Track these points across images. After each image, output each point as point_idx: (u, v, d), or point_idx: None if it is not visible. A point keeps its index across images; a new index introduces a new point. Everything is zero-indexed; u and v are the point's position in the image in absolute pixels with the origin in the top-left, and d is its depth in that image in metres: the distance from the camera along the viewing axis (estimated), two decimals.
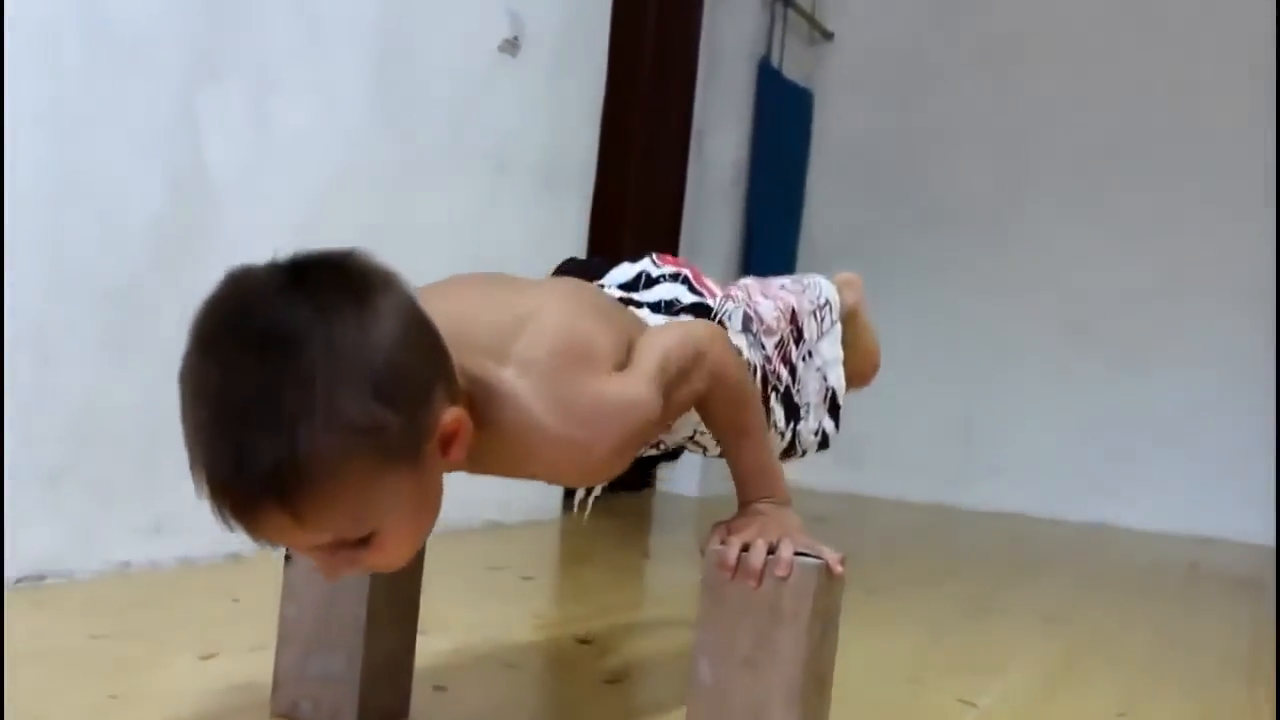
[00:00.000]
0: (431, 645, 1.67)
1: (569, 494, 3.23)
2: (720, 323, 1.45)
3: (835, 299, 1.69)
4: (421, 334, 1.02)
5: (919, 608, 2.51)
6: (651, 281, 1.48)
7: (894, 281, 4.67)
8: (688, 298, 1.46)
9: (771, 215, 4.46)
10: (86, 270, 1.91)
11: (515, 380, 1.11)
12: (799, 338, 1.60)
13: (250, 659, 1.55)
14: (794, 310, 1.59)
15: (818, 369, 1.64)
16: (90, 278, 1.92)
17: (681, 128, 4.15)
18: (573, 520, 3.17)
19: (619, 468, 1.20)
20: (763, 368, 1.51)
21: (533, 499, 3.08)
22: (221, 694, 1.43)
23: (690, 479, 4.07)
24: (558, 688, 1.72)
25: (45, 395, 1.87)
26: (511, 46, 2.82)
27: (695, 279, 1.50)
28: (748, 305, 1.52)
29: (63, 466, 1.90)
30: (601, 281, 1.48)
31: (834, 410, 1.67)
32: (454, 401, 1.04)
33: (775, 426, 1.55)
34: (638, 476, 4.02)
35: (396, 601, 1.40)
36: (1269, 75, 4.32)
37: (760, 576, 1.18)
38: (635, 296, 1.46)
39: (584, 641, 1.89)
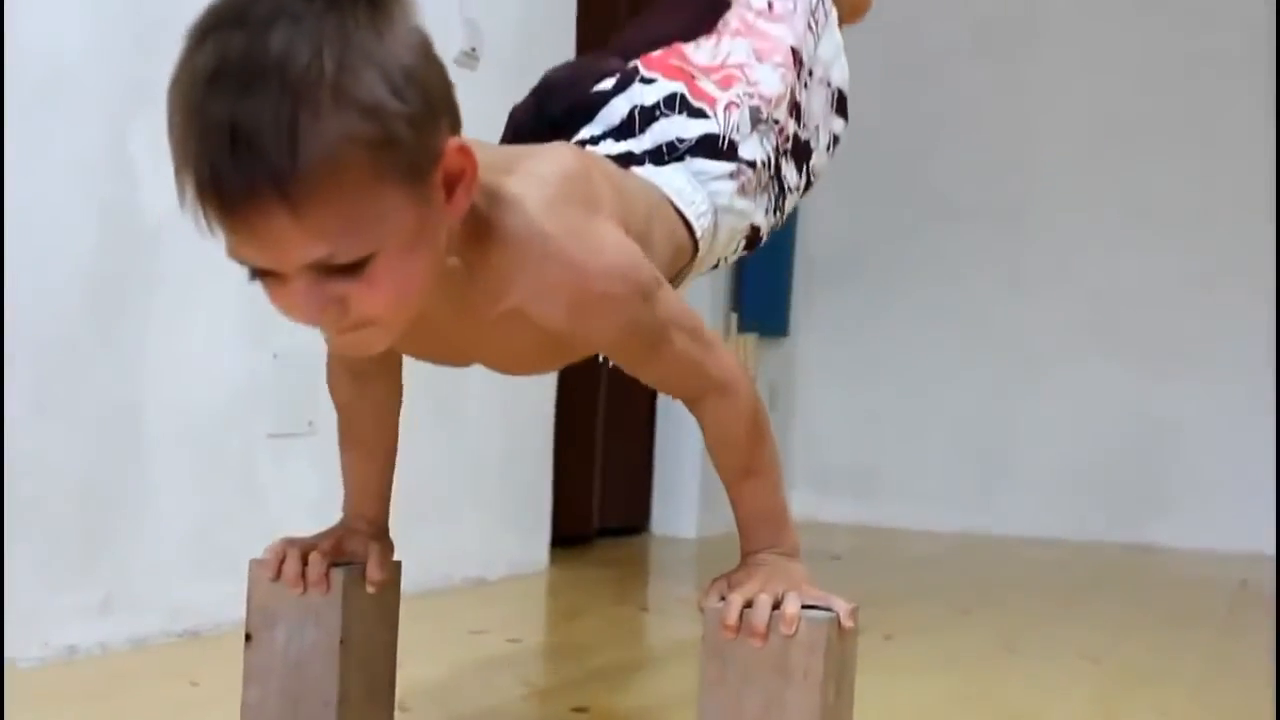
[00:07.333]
0: None
1: (556, 543, 3.23)
2: (730, 142, 1.48)
3: None
4: (436, 57, 1.09)
5: (944, 651, 2.52)
6: (648, 117, 1.50)
7: (899, 288, 4.69)
8: (690, 131, 1.49)
9: None
10: (10, 323, 1.91)
11: (520, 189, 1.18)
12: (800, 68, 1.64)
13: None
14: (794, 50, 1.63)
15: (819, 79, 1.69)
16: (15, 330, 1.92)
17: None
18: (561, 572, 3.17)
19: (612, 321, 1.20)
20: (776, 146, 1.56)
21: (516, 551, 3.08)
22: None
23: (688, 519, 4.07)
24: None
25: None
26: (470, 59, 2.84)
27: (691, 90, 1.52)
28: (750, 96, 1.54)
29: None
30: (595, 133, 1.51)
31: (841, 107, 1.73)
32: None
33: (788, 187, 1.60)
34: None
35: (371, 676, 1.41)
36: None
37: (765, 634, 1.19)
38: (633, 149, 1.48)
39: (580, 710, 1.90)
